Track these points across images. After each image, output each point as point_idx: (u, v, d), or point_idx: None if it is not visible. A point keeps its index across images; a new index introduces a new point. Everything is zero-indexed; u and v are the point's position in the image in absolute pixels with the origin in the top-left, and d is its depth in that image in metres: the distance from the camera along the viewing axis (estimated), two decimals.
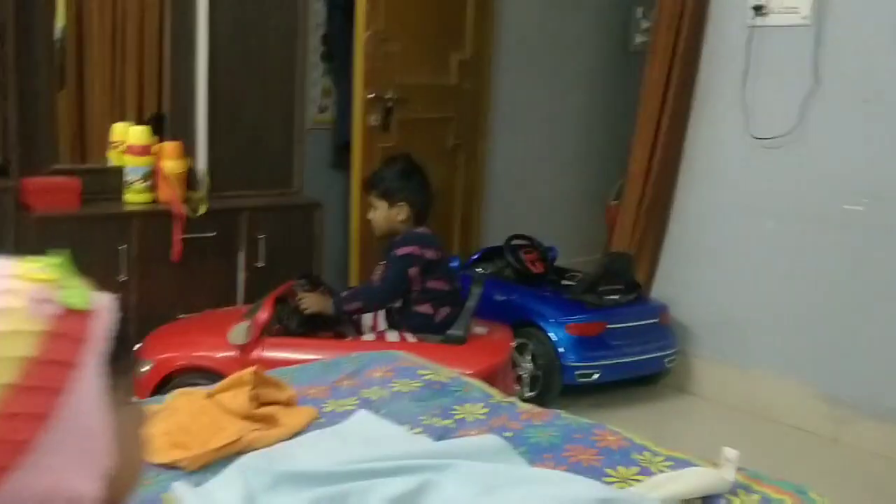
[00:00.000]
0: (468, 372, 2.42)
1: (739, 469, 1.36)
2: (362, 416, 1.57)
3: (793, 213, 3.16)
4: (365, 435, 1.48)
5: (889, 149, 2.91)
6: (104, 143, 3.13)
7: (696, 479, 1.32)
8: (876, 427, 2.94)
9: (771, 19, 3.14)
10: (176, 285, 2.97)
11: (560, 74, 4.62)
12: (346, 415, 1.60)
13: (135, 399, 0.78)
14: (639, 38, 5.05)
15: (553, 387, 3.11)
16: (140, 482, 0.78)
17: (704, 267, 3.41)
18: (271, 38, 3.27)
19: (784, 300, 3.20)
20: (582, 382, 3.11)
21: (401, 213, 2.70)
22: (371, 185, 2.77)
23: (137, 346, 2.74)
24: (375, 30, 3.42)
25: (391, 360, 1.90)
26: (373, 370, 1.83)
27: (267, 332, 2.56)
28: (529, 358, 3.15)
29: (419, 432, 1.55)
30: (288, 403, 1.62)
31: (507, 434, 1.51)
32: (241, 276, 3.12)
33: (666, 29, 3.32)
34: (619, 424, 3.05)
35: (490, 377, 2.50)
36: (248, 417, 1.51)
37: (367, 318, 2.83)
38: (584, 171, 4.89)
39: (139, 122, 3.19)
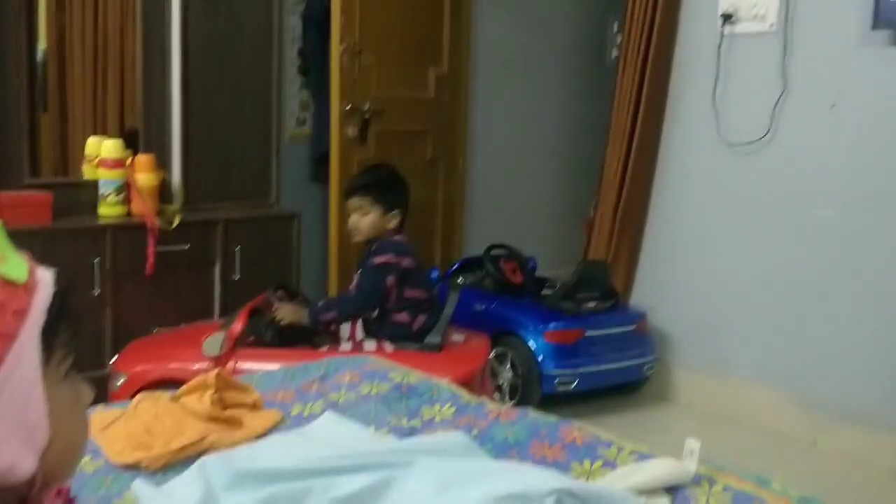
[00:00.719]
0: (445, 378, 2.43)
1: (701, 461, 1.36)
2: (327, 416, 1.56)
3: (767, 218, 3.18)
4: (329, 435, 1.47)
5: (857, 153, 2.94)
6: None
7: (658, 469, 1.32)
8: (853, 432, 2.94)
9: (739, 27, 3.18)
10: (150, 299, 2.95)
11: (537, 88, 4.65)
12: (312, 418, 1.60)
13: (80, 377, 0.77)
14: (615, 53, 5.09)
15: (533, 396, 3.10)
16: (78, 461, 0.77)
17: (681, 274, 3.43)
18: (245, 52, 3.29)
19: (760, 306, 3.21)
20: (561, 391, 3.11)
21: (393, 220, 2.68)
22: (363, 189, 2.69)
23: (113, 359, 2.73)
24: (350, 42, 3.44)
25: (360, 364, 1.89)
26: (341, 374, 1.82)
27: (241, 344, 2.55)
28: (509, 367, 3.15)
29: (385, 432, 1.54)
30: (253, 407, 1.61)
31: (473, 432, 1.51)
32: (217, 289, 3.11)
33: (636, 39, 3.36)
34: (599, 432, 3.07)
35: (466, 384, 2.48)
36: (212, 419, 1.49)
37: (344, 328, 2.81)
38: (562, 183, 4.91)
39: (119, 136, 3.21)
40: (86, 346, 2.83)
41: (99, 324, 2.85)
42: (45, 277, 0.70)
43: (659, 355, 3.39)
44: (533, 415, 1.60)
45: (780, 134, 3.10)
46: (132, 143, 3.13)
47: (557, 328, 3.10)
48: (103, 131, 3.20)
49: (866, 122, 2.91)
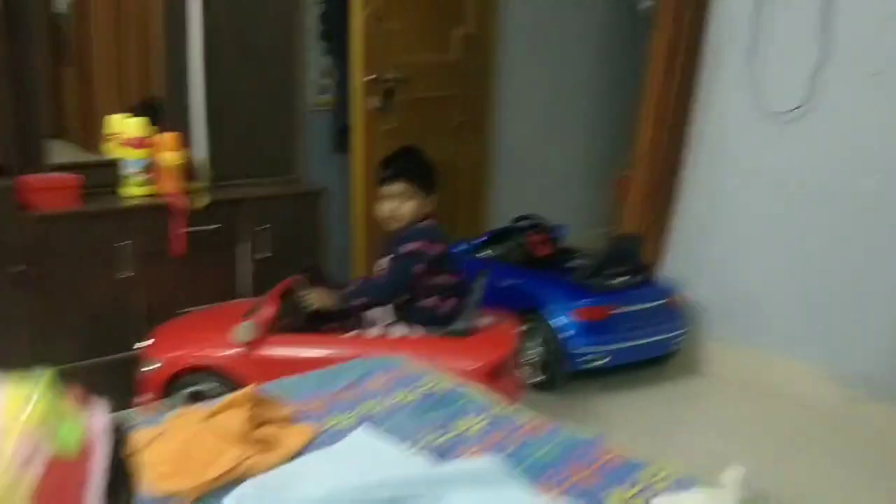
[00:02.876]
0: (474, 366, 2.42)
1: (745, 488, 1.33)
2: (360, 434, 1.56)
3: (803, 189, 3.10)
4: (362, 458, 1.47)
5: None
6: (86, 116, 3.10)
7: (698, 501, 1.29)
8: (887, 407, 2.91)
9: None
10: (179, 280, 2.95)
11: (565, 45, 4.52)
12: (345, 432, 1.59)
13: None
14: (646, 2, 4.93)
15: (560, 372, 3.09)
16: None
17: (714, 245, 3.37)
18: (267, 18, 3.20)
19: (795, 279, 3.16)
20: (589, 367, 3.09)
21: (430, 205, 2.66)
22: (406, 174, 2.66)
23: (145, 343, 2.75)
24: (374, 8, 3.35)
25: (392, 367, 1.88)
26: (373, 380, 1.82)
27: (272, 329, 2.55)
28: (539, 342, 3.13)
29: (418, 449, 1.53)
30: (286, 422, 1.60)
31: (508, 450, 1.50)
32: (245, 268, 3.10)
33: (673, 2, 3.23)
34: (630, 407, 3.08)
35: (494, 371, 2.49)
36: (246, 440, 1.49)
37: (372, 312, 2.81)
38: (592, 143, 4.82)
39: (138, 107, 3.18)
40: (116, 328, 2.85)
41: (129, 306, 2.86)
42: (100, 434, 0.68)
43: (689, 328, 3.36)
44: (565, 430, 1.59)
45: (819, 102, 3.00)
46: (152, 113, 3.09)
47: (586, 305, 3.07)
48: (126, 96, 3.17)
49: None
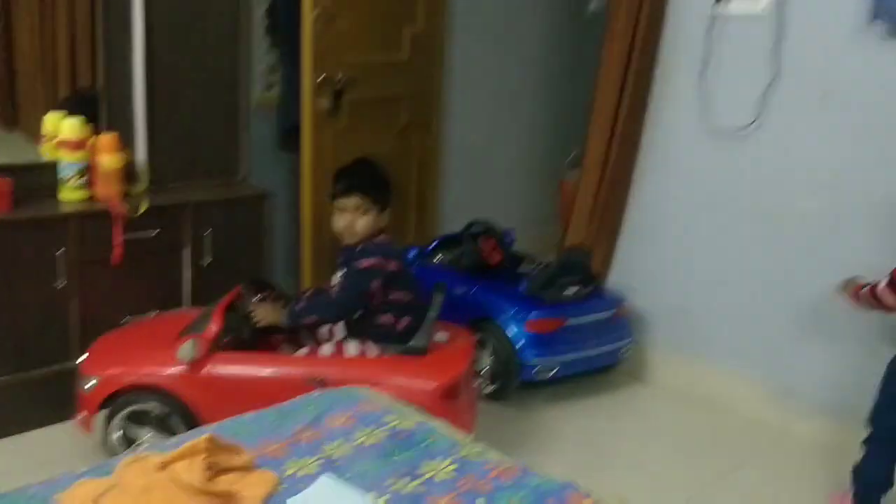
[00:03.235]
0: (432, 385, 2.38)
1: None
2: (325, 485, 1.50)
3: (749, 205, 3.14)
4: None
5: (846, 144, 2.89)
6: (34, 107, 2.95)
7: None
8: (825, 421, 3.00)
9: (732, 8, 3.06)
10: (118, 289, 2.82)
11: (513, 44, 4.49)
12: (308, 479, 1.53)
13: None
14: (594, 4, 4.94)
15: (512, 383, 3.09)
16: None
17: (660, 257, 3.40)
18: (212, 10, 3.06)
19: (739, 293, 3.21)
20: (541, 378, 3.09)
21: (384, 220, 2.60)
22: (362, 188, 2.57)
23: (82, 357, 2.62)
24: (323, 7, 3.24)
25: (351, 402, 1.83)
26: (333, 416, 1.76)
27: (218, 346, 2.46)
28: (490, 353, 3.11)
29: (386, 500, 1.49)
30: (246, 468, 1.54)
31: (479, 500, 1.47)
32: (187, 275, 2.99)
33: (625, 14, 3.22)
34: (577, 416, 3.09)
35: (452, 388, 2.46)
36: (205, 493, 1.42)
37: (324, 328, 2.74)
38: (537, 144, 4.82)
39: (72, 100, 3.02)
40: (52, 339, 2.71)
41: (65, 317, 2.72)
42: None
43: (635, 338, 3.39)
44: (535, 475, 1.56)
45: (768, 122, 3.04)
46: (86, 106, 2.93)
47: (538, 317, 3.06)
48: (53, 82, 3.03)
49: (858, 114, 2.85)
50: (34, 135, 2.95)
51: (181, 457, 1.48)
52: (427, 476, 1.57)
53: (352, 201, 2.56)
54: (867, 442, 2.40)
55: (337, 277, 2.62)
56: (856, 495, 2.43)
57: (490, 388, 3.12)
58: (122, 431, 2.47)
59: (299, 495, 1.46)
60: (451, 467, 1.60)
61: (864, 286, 2.38)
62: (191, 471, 1.45)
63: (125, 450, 2.47)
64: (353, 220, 2.56)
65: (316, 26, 3.20)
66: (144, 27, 2.90)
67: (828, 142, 2.92)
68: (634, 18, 3.19)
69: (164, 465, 1.48)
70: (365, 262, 2.50)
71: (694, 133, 3.23)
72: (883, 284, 2.30)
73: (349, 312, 2.53)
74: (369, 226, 2.57)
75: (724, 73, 3.12)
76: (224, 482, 1.47)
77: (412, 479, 1.55)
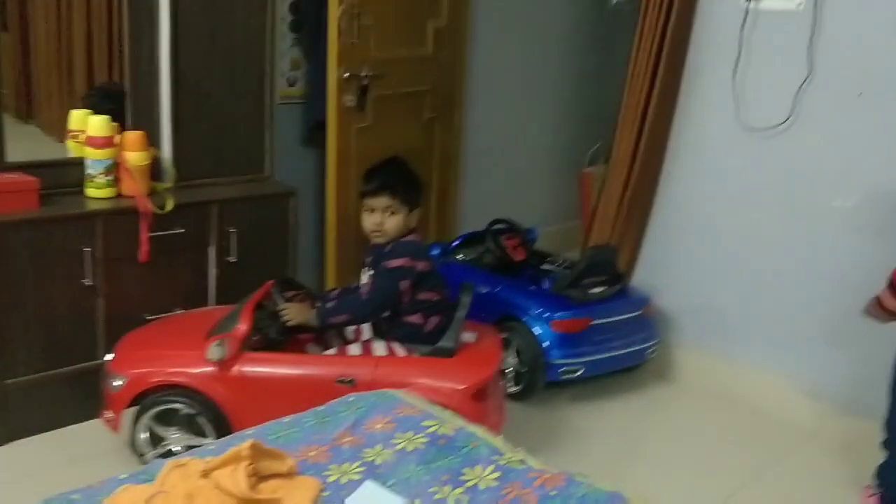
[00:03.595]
0: (461, 387, 2.36)
1: None
2: (369, 492, 1.48)
3: (780, 205, 3.10)
4: None
5: (882, 145, 2.85)
6: (48, 100, 2.96)
7: None
8: (854, 423, 2.96)
9: (765, 4, 3.02)
10: (143, 286, 2.81)
11: (536, 38, 4.45)
12: (351, 486, 1.52)
13: None
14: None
15: (538, 383, 3.06)
16: None
17: (688, 255, 3.36)
18: (239, 6, 3.03)
19: (768, 292, 3.18)
20: (566, 378, 3.07)
21: (414, 219, 2.58)
22: (392, 188, 2.54)
23: (108, 357, 2.61)
24: (349, 3, 3.21)
25: (390, 406, 1.81)
26: (373, 420, 1.74)
27: (247, 345, 2.44)
28: (514, 353, 3.09)
29: None
30: (289, 474, 1.52)
31: None
32: (213, 273, 2.97)
33: (656, 9, 3.18)
34: (602, 416, 3.07)
35: (482, 390, 2.44)
36: (249, 500, 1.41)
37: (351, 326, 2.73)
38: (561, 138, 4.78)
39: (97, 94, 3.03)
40: (80, 336, 2.71)
41: (92, 314, 2.71)
42: None
43: (662, 337, 3.36)
44: (581, 482, 1.54)
45: (801, 120, 3.00)
46: (111, 101, 2.93)
47: (565, 317, 3.03)
48: (69, 72, 3.03)
49: (893, 113, 2.81)
50: (48, 128, 2.95)
51: (224, 463, 1.47)
52: (470, 483, 1.55)
53: (381, 201, 2.54)
54: (886, 445, 2.39)
55: (365, 277, 2.60)
56: (882, 498, 2.42)
57: (515, 389, 3.10)
58: (149, 431, 2.46)
59: (348, 498, 1.44)
60: (495, 475, 1.58)
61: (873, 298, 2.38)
62: (234, 478, 1.43)
63: (152, 449, 2.47)
64: (383, 220, 2.54)
65: (342, 22, 3.18)
66: (171, 24, 2.88)
67: (862, 141, 2.88)
68: (665, 14, 3.15)
69: (206, 472, 1.46)
70: (394, 262, 2.48)
71: (724, 130, 3.19)
72: (884, 291, 2.29)
73: (379, 312, 2.51)
74: (398, 226, 2.54)
75: (756, 69, 3.08)
76: (267, 489, 1.46)
77: (455, 487, 1.53)
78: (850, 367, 2.99)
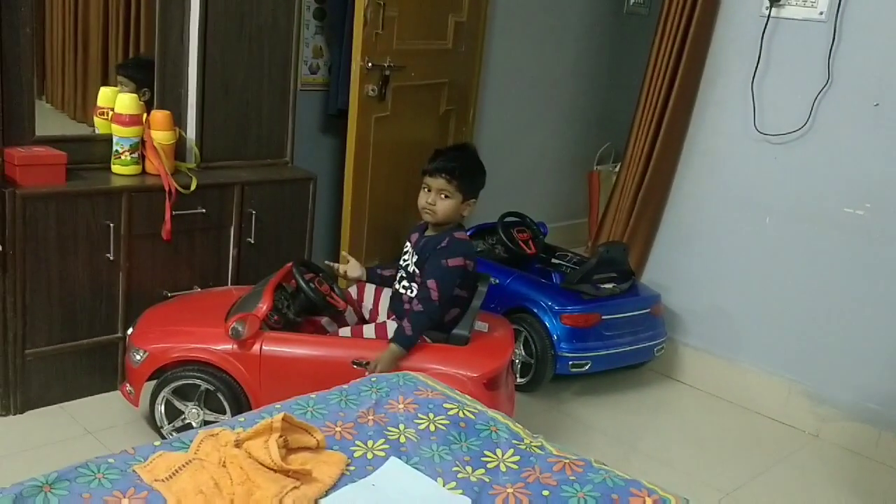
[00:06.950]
0: (473, 375, 2.41)
1: None
2: (394, 468, 1.54)
3: (792, 210, 3.15)
4: (400, 493, 1.45)
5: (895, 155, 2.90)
6: (61, 76, 3.00)
7: None
8: (856, 427, 3.02)
9: (786, 11, 3.06)
10: (163, 263, 2.86)
11: (552, 36, 4.50)
12: (377, 461, 1.57)
13: None
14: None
15: (546, 375, 3.12)
16: None
17: (698, 256, 3.41)
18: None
19: (775, 296, 3.23)
20: (574, 372, 3.12)
21: (467, 209, 2.59)
22: (451, 173, 2.54)
23: (129, 330, 2.66)
24: None
25: (412, 388, 1.86)
26: (394, 401, 1.79)
27: (267, 324, 2.49)
28: (521, 345, 3.14)
29: (453, 487, 1.52)
30: (318, 448, 1.57)
31: (545, 493, 1.50)
32: (232, 253, 3.02)
33: (677, 13, 3.22)
34: (607, 411, 3.12)
35: (495, 379, 2.49)
36: (281, 470, 1.46)
37: (367, 304, 2.78)
38: (572, 136, 4.83)
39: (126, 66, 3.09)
40: (101, 310, 2.75)
41: (114, 288, 2.76)
42: None
43: (669, 336, 3.42)
44: (599, 468, 1.59)
45: (817, 128, 3.04)
46: (140, 73, 2.97)
47: (575, 311, 3.08)
48: (84, 52, 3.06)
49: None
50: (61, 105, 2.98)
51: (256, 434, 1.52)
52: (491, 465, 1.60)
53: (438, 182, 2.55)
54: None
55: (412, 263, 2.61)
56: None
57: (522, 380, 3.15)
58: (164, 405, 2.51)
59: (374, 473, 1.49)
60: (515, 458, 1.63)
61: None
62: (267, 448, 1.48)
63: (169, 423, 2.52)
64: (436, 200, 2.54)
65: (368, 13, 3.22)
66: (201, 8, 2.92)
67: (877, 151, 2.93)
68: (687, 18, 3.19)
69: (239, 443, 1.51)
70: (453, 261, 2.49)
71: (740, 135, 3.24)
72: None
73: (443, 312, 2.55)
74: (448, 211, 2.55)
75: (774, 76, 3.12)
76: (297, 461, 1.51)
77: (477, 468, 1.58)
78: (853, 373, 3.04)
